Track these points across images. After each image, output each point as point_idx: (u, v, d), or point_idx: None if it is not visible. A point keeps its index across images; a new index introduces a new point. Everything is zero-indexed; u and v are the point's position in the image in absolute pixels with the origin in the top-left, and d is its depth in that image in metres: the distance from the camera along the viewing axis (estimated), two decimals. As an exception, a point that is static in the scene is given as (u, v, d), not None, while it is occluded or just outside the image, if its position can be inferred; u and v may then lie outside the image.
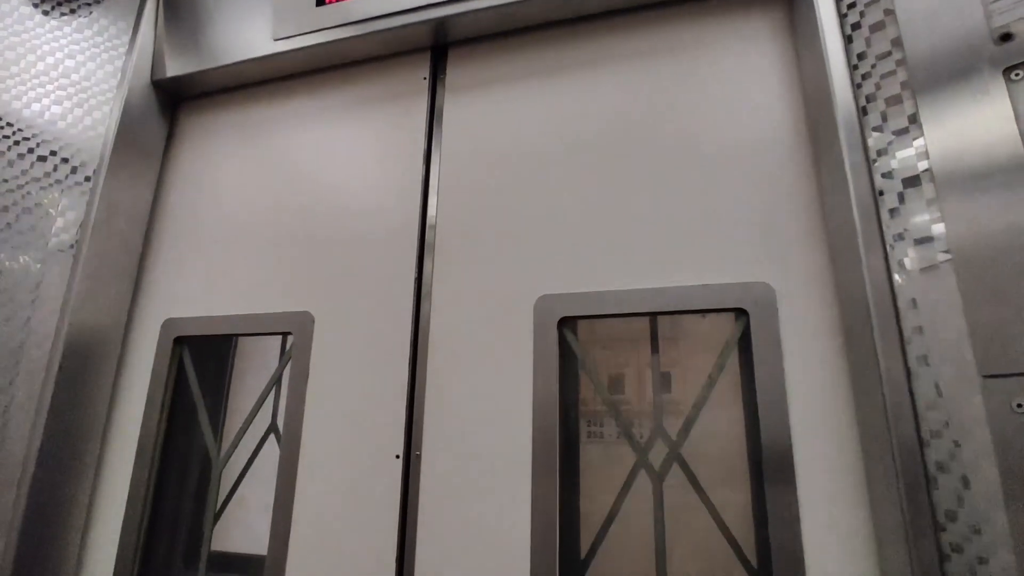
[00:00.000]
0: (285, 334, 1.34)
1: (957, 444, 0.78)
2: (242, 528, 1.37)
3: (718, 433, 1.13)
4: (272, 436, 1.39)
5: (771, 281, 1.06)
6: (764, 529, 0.96)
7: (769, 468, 0.97)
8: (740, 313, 1.07)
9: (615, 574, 1.11)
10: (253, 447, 1.37)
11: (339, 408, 1.22)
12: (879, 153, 0.92)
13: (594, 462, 1.21)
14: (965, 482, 0.77)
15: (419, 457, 1.14)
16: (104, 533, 1.32)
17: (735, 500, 1.08)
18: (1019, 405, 0.75)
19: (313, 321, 1.30)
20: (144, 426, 1.36)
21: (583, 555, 1.10)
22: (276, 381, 1.34)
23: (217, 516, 1.31)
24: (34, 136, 1.36)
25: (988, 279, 0.79)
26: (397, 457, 1.15)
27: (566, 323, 1.15)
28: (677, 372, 1.22)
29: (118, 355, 1.43)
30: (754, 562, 1.01)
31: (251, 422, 1.32)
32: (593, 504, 1.15)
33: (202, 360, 1.44)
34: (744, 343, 1.06)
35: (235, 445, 1.32)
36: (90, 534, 1.32)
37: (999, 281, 0.78)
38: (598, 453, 1.24)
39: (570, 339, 1.15)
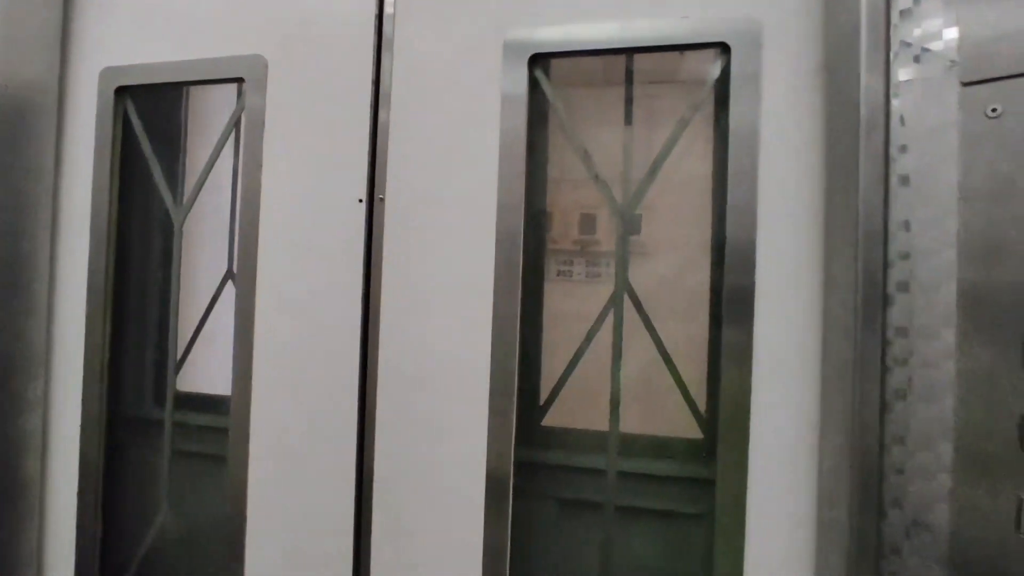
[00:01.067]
0: (238, 81, 1.24)
1: (923, 156, 0.77)
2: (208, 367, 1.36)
3: (686, 185, 1.12)
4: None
5: (757, 14, 0.98)
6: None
7: (733, 216, 0.97)
8: (722, 50, 1.01)
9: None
10: (212, 292, 1.34)
11: (298, 154, 1.18)
12: None
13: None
14: (923, 192, 0.77)
15: (383, 201, 1.12)
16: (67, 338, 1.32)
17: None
18: (993, 110, 0.73)
19: (267, 65, 1.20)
20: (95, 191, 1.30)
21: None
22: (234, 125, 1.26)
23: (183, 356, 1.31)
24: None
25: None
26: (360, 201, 1.13)
27: (538, 61, 1.08)
28: (648, 131, 1.18)
29: (56, 110, 1.32)
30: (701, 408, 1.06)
31: (209, 172, 1.27)
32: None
33: (151, 117, 1.35)
34: (723, 83, 1.01)
35: (195, 196, 1.28)
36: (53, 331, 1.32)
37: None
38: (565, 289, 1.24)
39: (541, 78, 1.09)
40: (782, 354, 0.94)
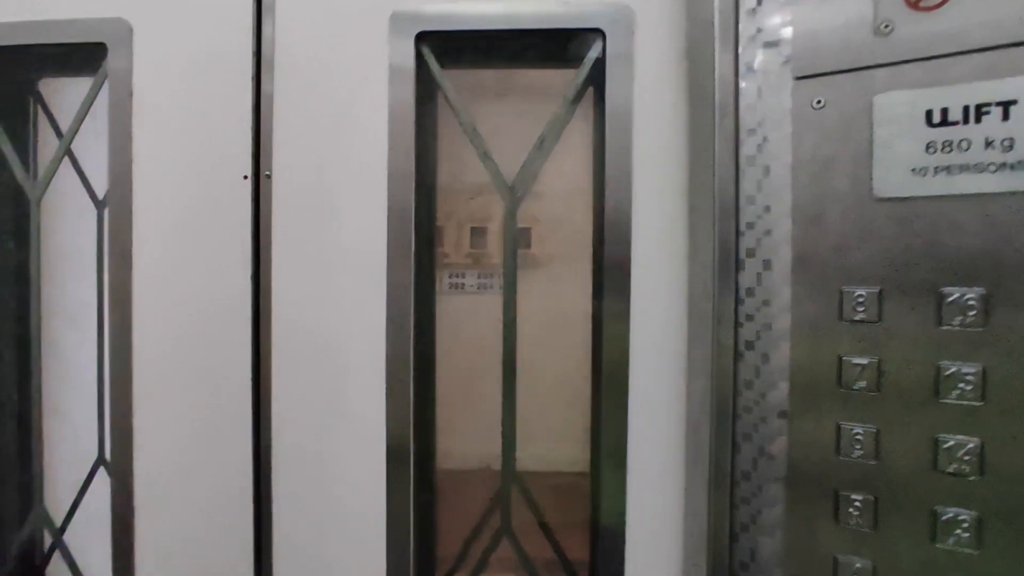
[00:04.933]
0: (99, 46, 1.14)
1: (765, 139, 0.88)
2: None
3: (571, 165, 1.20)
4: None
5: (629, 2, 1.06)
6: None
7: (611, 189, 1.06)
8: (599, 35, 1.08)
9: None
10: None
11: (174, 128, 1.11)
12: None
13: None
14: (766, 171, 0.89)
15: (269, 177, 1.10)
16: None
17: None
18: (818, 102, 0.85)
19: (131, 30, 1.12)
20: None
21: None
22: (95, 94, 1.16)
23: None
24: None
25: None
26: (245, 178, 1.10)
27: (425, 39, 1.09)
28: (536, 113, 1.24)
29: None
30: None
31: (69, 144, 1.17)
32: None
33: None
34: (599, 67, 1.08)
35: (52, 172, 1.18)
36: None
37: (825, -16, 0.84)
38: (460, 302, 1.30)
39: (428, 56, 1.10)
40: (655, 315, 1.05)
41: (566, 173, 1.24)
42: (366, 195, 1.09)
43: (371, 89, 1.09)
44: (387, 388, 1.09)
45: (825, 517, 0.85)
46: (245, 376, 1.11)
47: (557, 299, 1.31)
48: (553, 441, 1.29)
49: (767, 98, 0.89)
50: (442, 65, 1.12)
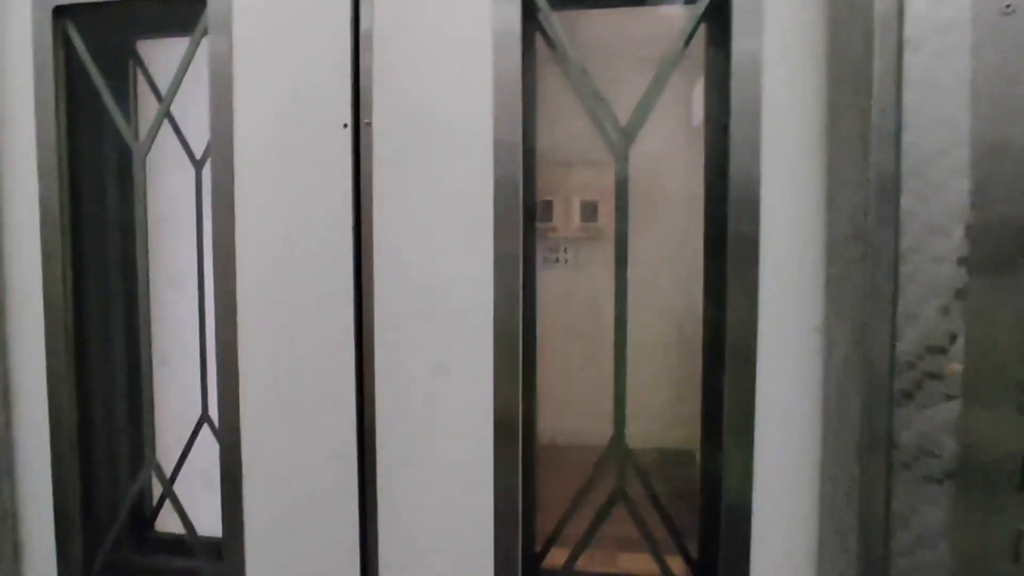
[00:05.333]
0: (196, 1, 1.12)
1: (936, 53, 0.77)
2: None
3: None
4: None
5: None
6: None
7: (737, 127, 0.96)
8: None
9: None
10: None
11: (274, 80, 1.09)
12: None
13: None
14: (936, 90, 0.77)
15: (369, 126, 1.06)
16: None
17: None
18: (1007, 6, 0.73)
19: (230, -18, 1.10)
20: (40, 127, 1.17)
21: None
22: (196, 46, 1.15)
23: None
24: None
25: None
26: (345, 126, 1.06)
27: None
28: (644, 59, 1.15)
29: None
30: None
31: (173, 97, 1.17)
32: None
33: (98, 46, 1.22)
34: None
35: (155, 130, 1.18)
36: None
37: None
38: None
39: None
40: (787, 284, 0.96)
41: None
42: (467, 143, 1.03)
43: (474, 40, 1.02)
44: (495, 362, 1.04)
45: (1006, 485, 0.74)
46: (348, 332, 1.08)
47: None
48: (645, 418, 1.22)
49: (938, 7, 0.77)
50: (551, 7, 1.04)
